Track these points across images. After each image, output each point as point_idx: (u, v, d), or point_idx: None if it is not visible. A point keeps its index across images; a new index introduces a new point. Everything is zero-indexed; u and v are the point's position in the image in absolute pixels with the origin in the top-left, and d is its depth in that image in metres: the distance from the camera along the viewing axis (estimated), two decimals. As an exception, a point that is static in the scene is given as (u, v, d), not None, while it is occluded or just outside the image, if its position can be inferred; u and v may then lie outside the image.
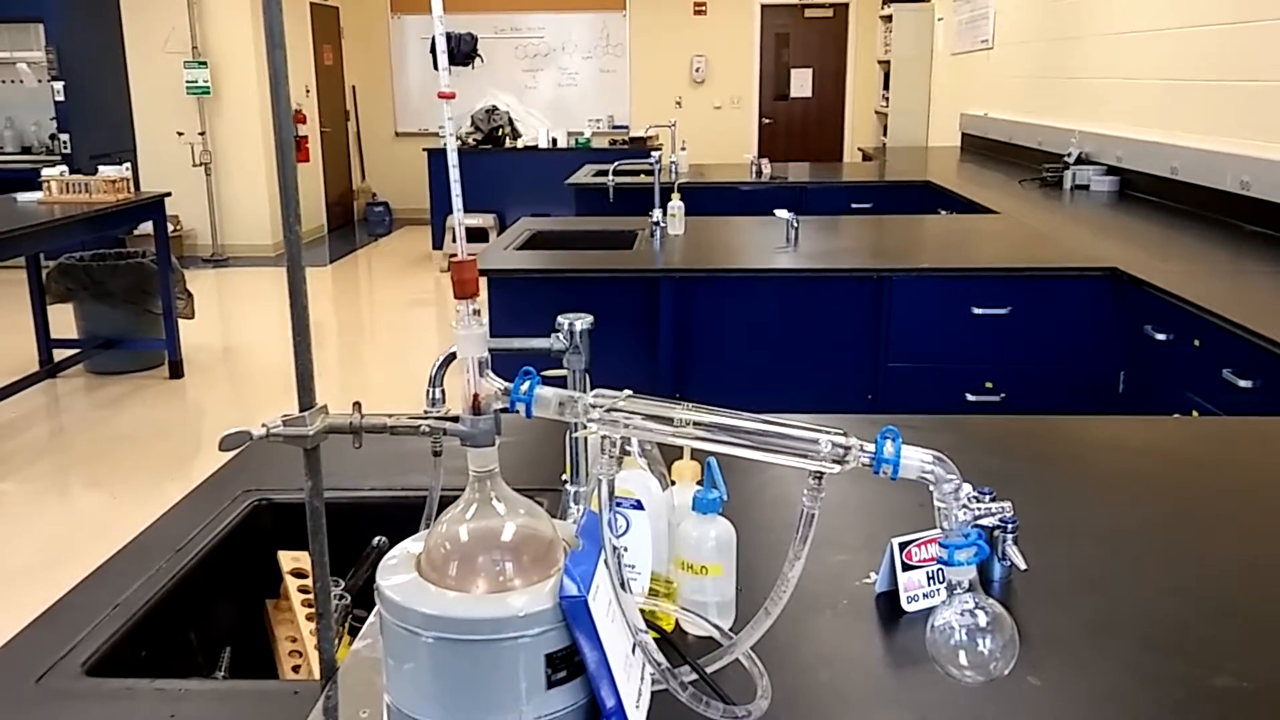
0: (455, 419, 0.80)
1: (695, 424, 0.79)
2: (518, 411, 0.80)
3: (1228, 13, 4.04)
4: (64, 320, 5.76)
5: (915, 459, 0.75)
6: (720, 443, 0.79)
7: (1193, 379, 2.74)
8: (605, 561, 0.80)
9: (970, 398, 3.33)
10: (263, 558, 1.49)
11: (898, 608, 1.17)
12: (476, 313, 0.78)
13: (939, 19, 8.84)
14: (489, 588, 0.79)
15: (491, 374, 0.80)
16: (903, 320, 3.33)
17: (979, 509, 0.75)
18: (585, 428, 0.77)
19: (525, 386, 0.79)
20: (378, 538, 1.43)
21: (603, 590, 0.78)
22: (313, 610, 1.42)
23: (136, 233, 7.80)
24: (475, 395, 0.79)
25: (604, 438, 0.79)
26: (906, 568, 1.18)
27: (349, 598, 1.36)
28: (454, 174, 0.75)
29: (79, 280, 5.51)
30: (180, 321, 5.69)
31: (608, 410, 0.78)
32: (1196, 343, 2.73)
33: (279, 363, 6.16)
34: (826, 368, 3.40)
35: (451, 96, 0.74)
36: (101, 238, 6.61)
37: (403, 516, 1.49)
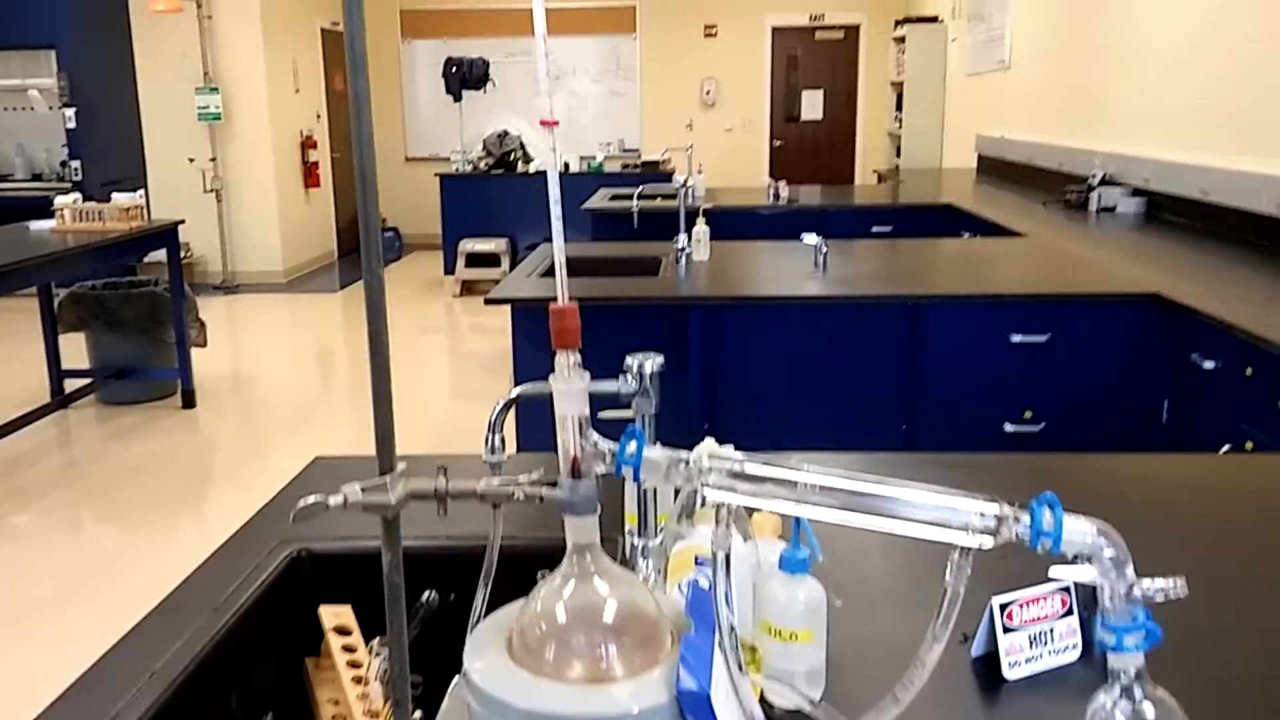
0: (553, 484, 0.72)
1: (821, 489, 0.70)
2: (623, 476, 0.71)
3: (1257, 29, 3.97)
4: (76, 350, 5.69)
5: (1077, 530, 0.67)
6: (848, 511, 0.70)
7: (1246, 409, 2.65)
8: (720, 644, 0.72)
9: (1009, 428, 3.24)
10: (302, 612, 1.41)
11: (997, 673, 1.08)
12: (578, 364, 0.70)
13: (952, 39, 8.80)
14: (588, 674, 0.71)
15: (595, 433, 0.72)
16: (938, 348, 3.24)
17: (1150, 587, 0.67)
18: (699, 494, 0.68)
19: (632, 448, 0.71)
20: (427, 592, 1.35)
21: (720, 679, 0.70)
22: (357, 672, 1.33)
23: (147, 260, 7.75)
24: (575, 458, 0.71)
25: (721, 506, 0.71)
26: (1008, 630, 1.09)
27: (399, 659, 1.27)
28: (555, 210, 0.67)
29: (91, 309, 5.45)
30: (193, 350, 5.62)
31: (727, 474, 0.70)
32: (1249, 371, 2.65)
33: (291, 392, 6.09)
34: (860, 397, 3.31)
35: (555, 124, 0.66)
36: (113, 266, 6.56)
37: (451, 568, 1.41)
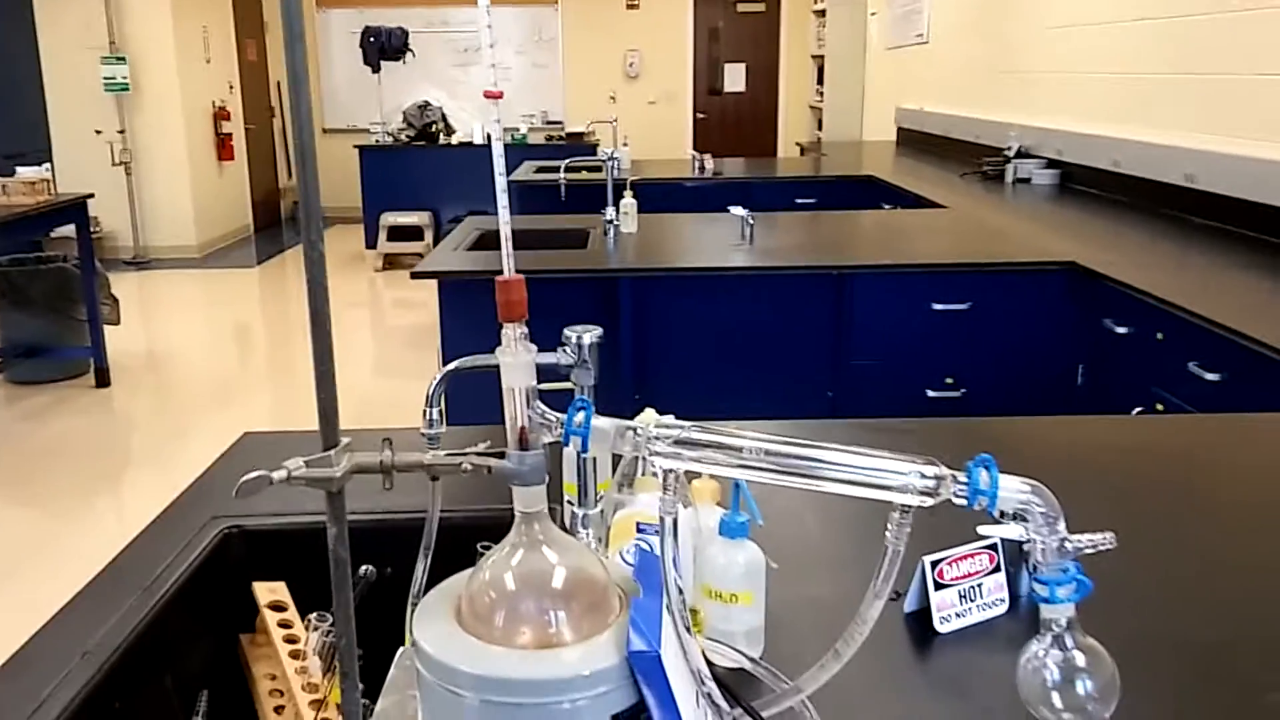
0: (500, 454, 0.72)
1: (766, 453, 0.72)
2: (572, 446, 0.72)
3: (1167, 6, 4.08)
4: (-19, 328, 5.49)
5: (1012, 489, 0.69)
6: (794, 475, 0.72)
7: (1156, 372, 2.75)
8: (668, 607, 0.73)
9: (931, 394, 3.32)
10: (236, 589, 1.39)
11: (929, 628, 1.12)
12: (525, 336, 0.70)
13: (872, 14, 8.88)
14: (538, 640, 0.72)
15: (542, 404, 0.72)
16: (864, 317, 3.30)
17: (1080, 541, 0.70)
18: (644, 462, 0.69)
19: (580, 418, 0.71)
20: (365, 567, 1.34)
21: (669, 640, 0.71)
22: (295, 647, 1.32)
23: (54, 235, 7.49)
24: (523, 429, 0.71)
25: (668, 472, 0.72)
26: (939, 586, 1.12)
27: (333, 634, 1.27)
28: (500, 182, 0.67)
29: (-3, 286, 5.25)
30: (105, 328, 5.46)
31: (673, 443, 0.71)
32: (1160, 336, 2.74)
33: (208, 368, 5.96)
34: (787, 365, 3.36)
35: (499, 96, 0.66)
36: (18, 242, 6.32)
37: (389, 541, 1.40)
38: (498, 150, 0.66)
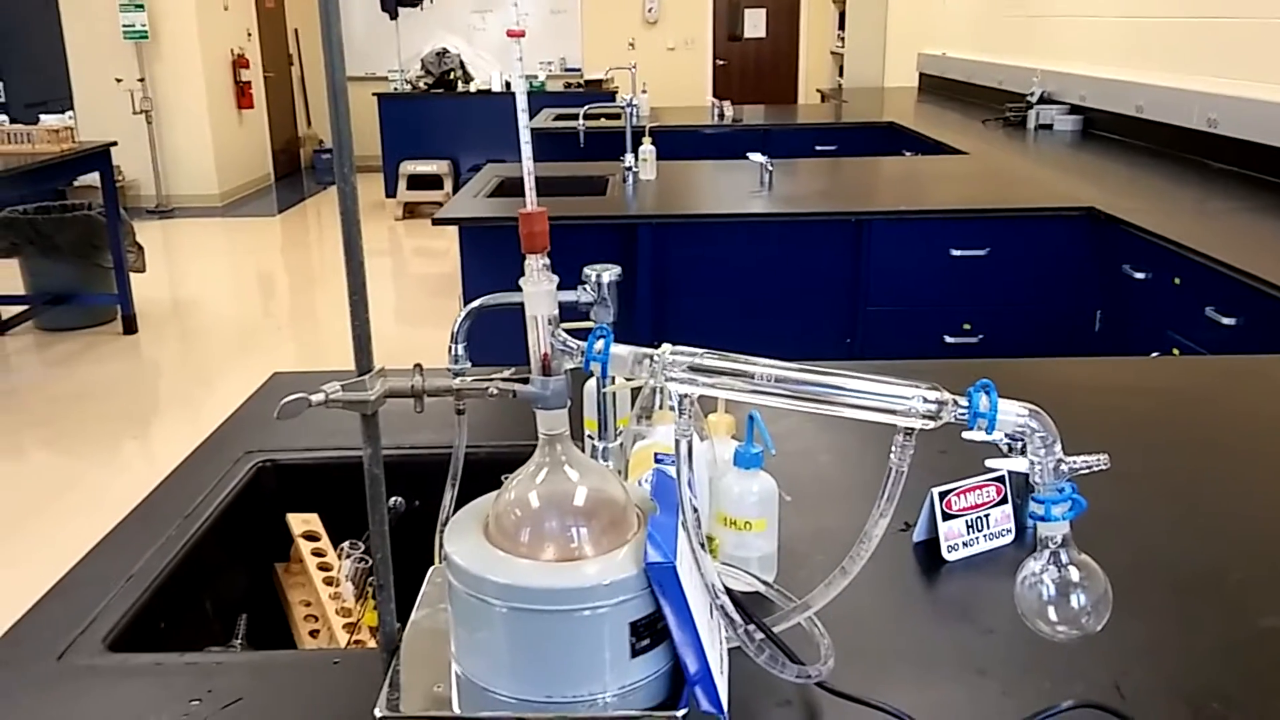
0: (525, 380, 0.76)
1: (777, 380, 0.75)
2: (592, 372, 0.76)
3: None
4: (10, 276, 5.57)
5: (1011, 412, 0.73)
6: (804, 399, 0.75)
7: (1173, 317, 2.76)
8: (684, 524, 0.77)
9: (949, 339, 3.34)
10: (270, 521, 1.45)
11: (937, 557, 1.16)
12: (547, 267, 0.74)
13: (895, -43, 8.75)
14: (561, 555, 0.76)
15: (564, 333, 0.76)
16: (881, 263, 3.31)
17: (1075, 462, 0.73)
18: (659, 387, 0.73)
19: (600, 345, 0.75)
20: (394, 498, 1.39)
21: (684, 554, 0.76)
22: (329, 574, 1.38)
23: (77, 184, 7.55)
24: (545, 355, 0.75)
25: (683, 397, 0.76)
26: (947, 517, 1.16)
27: (370, 560, 1.32)
28: (523, 119, 0.70)
29: (24, 234, 5.31)
30: (131, 276, 5.52)
31: (688, 369, 0.75)
32: (1177, 281, 2.75)
33: (233, 315, 6.03)
34: (805, 311, 3.39)
35: (521, 34, 0.69)
36: (42, 190, 6.38)
37: (416, 475, 1.45)
38: (519, 87, 0.69)
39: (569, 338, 0.76)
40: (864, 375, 0.75)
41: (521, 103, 0.70)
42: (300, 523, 1.43)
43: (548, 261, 0.74)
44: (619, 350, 0.76)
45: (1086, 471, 0.74)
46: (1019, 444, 0.75)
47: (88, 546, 1.25)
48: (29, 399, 4.72)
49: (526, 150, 0.72)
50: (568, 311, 1.15)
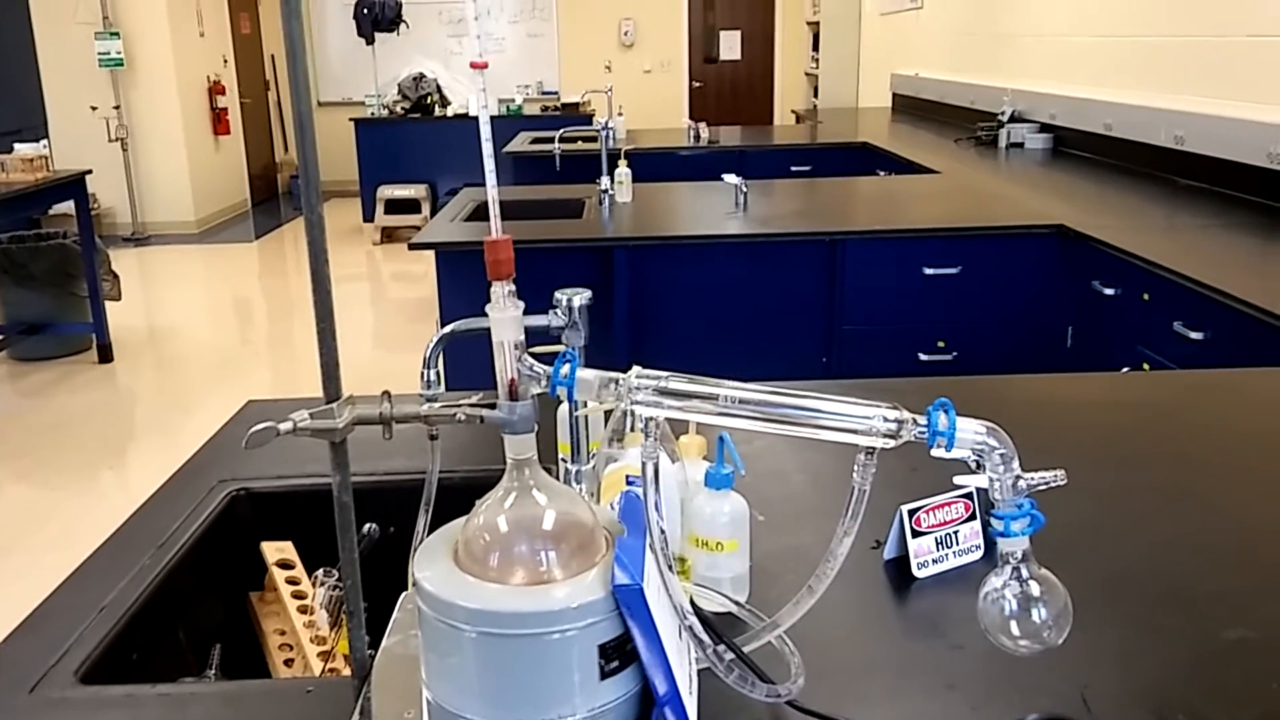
0: (492, 405, 0.77)
1: (741, 401, 0.76)
2: (557, 397, 0.77)
3: (1158, -30, 4.09)
4: (-18, 306, 5.54)
5: (969, 430, 0.74)
6: (767, 420, 0.77)
7: (1143, 332, 2.79)
8: (652, 546, 0.78)
9: (923, 357, 3.37)
10: (244, 549, 1.44)
11: (907, 574, 1.17)
12: (513, 294, 0.75)
13: (866, -21, 8.85)
14: (530, 578, 0.77)
15: (530, 358, 0.77)
16: (856, 282, 3.34)
17: (1033, 478, 0.75)
18: (629, 410, 0.74)
19: (566, 370, 0.76)
20: (367, 525, 1.39)
21: (652, 576, 0.76)
22: (303, 603, 1.38)
23: (51, 212, 7.51)
24: (512, 380, 0.76)
25: (649, 420, 0.77)
26: (916, 534, 1.18)
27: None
28: (487, 149, 0.71)
29: (-2, 264, 5.29)
30: (106, 304, 5.50)
31: (654, 391, 0.76)
32: (1146, 297, 2.79)
33: (208, 343, 6.00)
34: (781, 331, 3.41)
35: (484, 66, 0.70)
36: (16, 219, 6.35)
37: (390, 501, 1.45)
38: (484, 118, 0.71)
39: (535, 363, 0.77)
40: (826, 396, 0.76)
41: (485, 132, 0.71)
42: (274, 551, 1.42)
43: (513, 288, 0.75)
44: (585, 374, 0.77)
45: (1044, 487, 0.75)
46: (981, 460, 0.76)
47: (63, 578, 1.24)
48: (3, 430, 4.68)
49: (491, 179, 0.73)
50: (540, 335, 1.16)
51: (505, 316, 0.76)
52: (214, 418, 1.85)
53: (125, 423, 4.81)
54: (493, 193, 0.73)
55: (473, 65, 0.69)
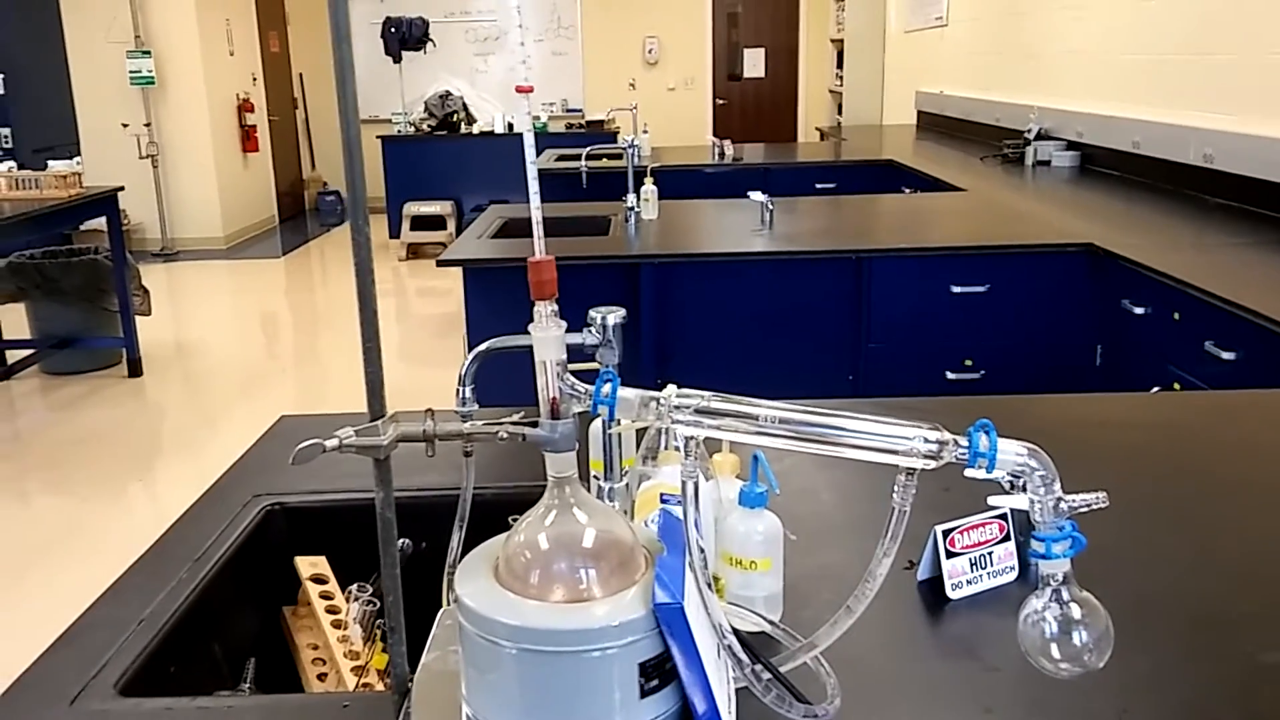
0: (534, 423, 0.78)
1: (780, 421, 0.77)
2: (599, 415, 0.77)
3: (1187, -12, 4.08)
4: (16, 321, 5.60)
5: (1010, 452, 0.74)
6: (806, 440, 0.77)
7: (1173, 352, 2.77)
8: (691, 565, 0.78)
9: (950, 376, 3.36)
10: (278, 564, 1.45)
11: (941, 595, 1.17)
12: (556, 313, 0.76)
13: (891, -3, 8.86)
14: (570, 596, 0.77)
15: (572, 377, 0.78)
16: (882, 300, 3.34)
17: (1075, 500, 0.75)
18: (666, 429, 0.75)
19: (608, 389, 0.77)
20: (402, 540, 1.40)
21: (692, 595, 0.77)
22: (336, 617, 1.39)
23: (83, 228, 7.61)
24: (554, 399, 0.77)
25: (689, 439, 0.77)
26: (950, 555, 1.17)
27: (377, 603, 1.33)
28: (532, 171, 0.72)
29: (30, 279, 5.35)
30: (136, 319, 5.56)
31: (694, 411, 0.76)
32: (1176, 316, 2.77)
33: (237, 358, 6.05)
34: (808, 349, 3.40)
35: (530, 90, 0.71)
36: (49, 235, 6.44)
37: (423, 517, 1.46)
38: (529, 141, 0.71)
39: (577, 382, 0.78)
40: (866, 416, 0.76)
41: (530, 155, 0.72)
42: (308, 565, 1.44)
43: (556, 308, 0.76)
44: (626, 394, 0.78)
45: (1086, 510, 0.75)
46: (1020, 482, 0.76)
47: (92, 590, 1.26)
48: (34, 443, 4.73)
49: (535, 200, 0.74)
50: (573, 353, 1.16)
51: (548, 336, 0.77)
52: (241, 432, 1.87)
53: (154, 436, 4.86)
54: (536, 214, 0.74)
55: (518, 89, 0.70)
